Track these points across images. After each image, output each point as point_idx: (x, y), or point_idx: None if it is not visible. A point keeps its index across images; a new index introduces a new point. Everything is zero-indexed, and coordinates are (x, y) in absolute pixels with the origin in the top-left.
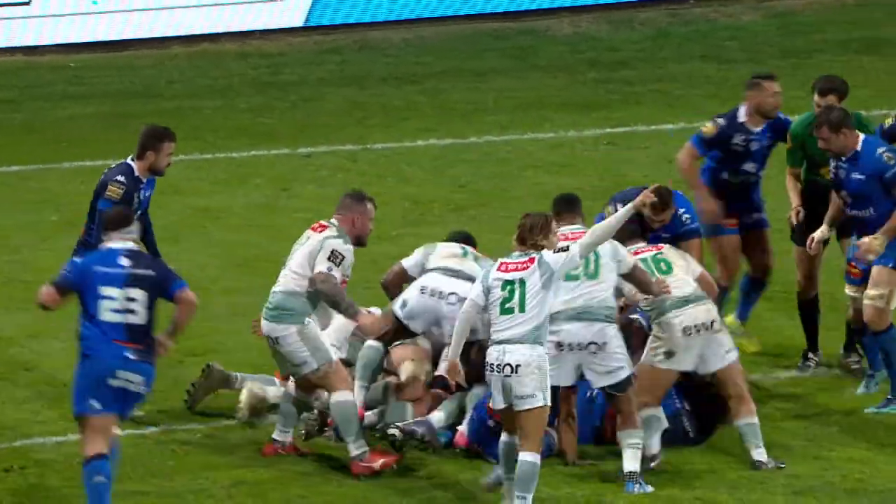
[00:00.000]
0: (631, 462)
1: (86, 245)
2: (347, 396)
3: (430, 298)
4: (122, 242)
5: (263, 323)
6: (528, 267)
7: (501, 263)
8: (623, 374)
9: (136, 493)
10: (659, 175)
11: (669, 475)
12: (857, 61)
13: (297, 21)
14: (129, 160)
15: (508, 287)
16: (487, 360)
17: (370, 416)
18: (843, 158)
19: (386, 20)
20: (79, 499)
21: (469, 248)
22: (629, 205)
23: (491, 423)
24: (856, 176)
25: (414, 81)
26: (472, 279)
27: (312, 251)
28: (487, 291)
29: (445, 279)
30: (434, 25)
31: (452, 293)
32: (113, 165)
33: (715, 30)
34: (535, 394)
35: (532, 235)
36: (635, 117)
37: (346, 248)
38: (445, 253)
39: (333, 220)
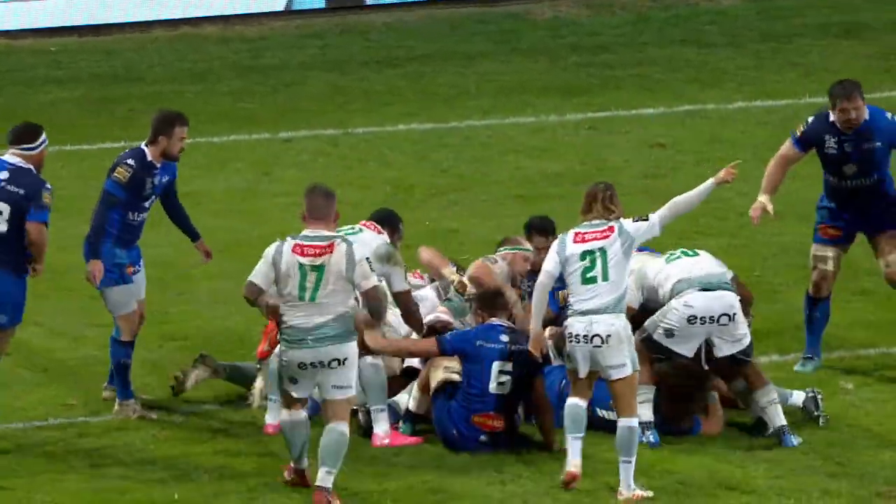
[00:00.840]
0: (777, 417)
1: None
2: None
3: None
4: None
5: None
6: (608, 235)
7: (577, 234)
8: (747, 340)
9: (118, 477)
10: (640, 160)
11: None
12: (836, 45)
13: (279, 5)
14: (143, 145)
15: (589, 256)
16: (571, 331)
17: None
18: (852, 132)
19: (367, 4)
20: (61, 482)
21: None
22: (711, 180)
23: (483, 438)
24: (867, 146)
25: (395, 66)
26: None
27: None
28: (565, 262)
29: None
30: (416, 9)
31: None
32: (127, 150)
33: (695, 14)
34: (625, 363)
35: (605, 203)
36: (616, 102)
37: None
38: None
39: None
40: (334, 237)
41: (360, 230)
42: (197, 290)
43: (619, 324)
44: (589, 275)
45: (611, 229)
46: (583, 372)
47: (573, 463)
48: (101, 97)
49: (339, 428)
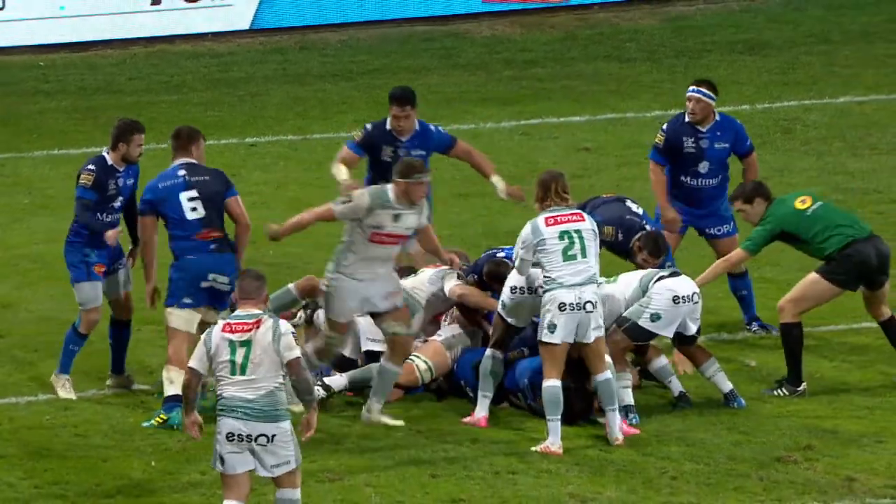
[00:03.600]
0: (724, 384)
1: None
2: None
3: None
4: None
5: None
6: (582, 219)
7: (548, 217)
8: (700, 321)
9: (99, 447)
10: (568, 161)
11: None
12: (741, 61)
13: (244, 24)
14: (103, 151)
15: (567, 237)
16: (562, 301)
17: (338, 379)
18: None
19: (324, 23)
20: (48, 451)
21: None
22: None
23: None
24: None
25: (349, 78)
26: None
27: None
28: (540, 244)
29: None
30: (368, 28)
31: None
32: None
33: (617, 32)
34: (602, 325)
35: (558, 191)
36: (546, 110)
37: None
38: None
39: None
40: (261, 314)
41: None
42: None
43: (598, 293)
44: (570, 252)
45: (580, 214)
46: (567, 338)
47: (557, 444)
48: (85, 107)
49: (287, 496)
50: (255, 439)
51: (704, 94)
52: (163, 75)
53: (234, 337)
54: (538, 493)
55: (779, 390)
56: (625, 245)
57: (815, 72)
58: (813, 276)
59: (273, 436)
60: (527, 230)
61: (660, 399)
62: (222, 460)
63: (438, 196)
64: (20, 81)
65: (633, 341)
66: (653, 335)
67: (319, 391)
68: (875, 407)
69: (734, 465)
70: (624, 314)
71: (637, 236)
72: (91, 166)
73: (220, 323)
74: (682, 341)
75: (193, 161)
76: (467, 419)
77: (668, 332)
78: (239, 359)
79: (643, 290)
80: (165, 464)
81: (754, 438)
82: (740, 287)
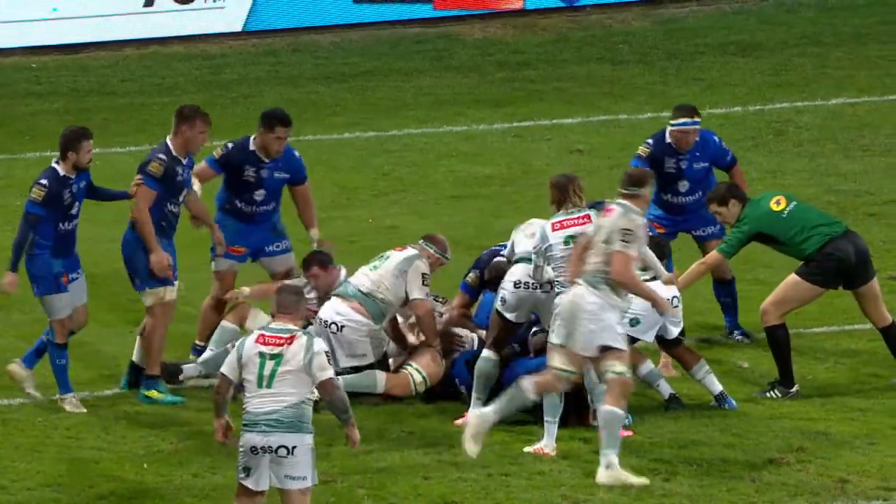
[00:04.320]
0: (714, 385)
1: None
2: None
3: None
4: None
5: None
6: (586, 222)
7: (556, 223)
8: (682, 322)
9: (92, 448)
10: (560, 163)
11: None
12: (733, 63)
13: (237, 26)
14: (53, 163)
15: (573, 241)
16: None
17: None
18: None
19: (316, 25)
20: (40, 452)
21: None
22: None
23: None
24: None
25: (342, 81)
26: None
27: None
28: (548, 250)
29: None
30: (360, 30)
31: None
32: (42, 171)
33: (609, 35)
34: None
35: (577, 192)
36: (539, 112)
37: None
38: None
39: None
40: (297, 331)
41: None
42: None
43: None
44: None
45: (587, 217)
46: (560, 339)
47: (551, 446)
48: (77, 109)
49: None
50: (276, 451)
51: (697, 124)
52: (155, 77)
53: (266, 349)
54: (531, 495)
55: (771, 392)
56: None
57: (808, 73)
58: (792, 277)
59: (294, 447)
60: (537, 236)
61: (651, 401)
62: (245, 471)
63: (431, 198)
64: (12, 83)
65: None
66: (633, 340)
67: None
68: (867, 409)
69: (726, 466)
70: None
71: None
72: (43, 181)
73: (255, 333)
74: (667, 345)
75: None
76: (460, 421)
77: (649, 337)
78: (267, 371)
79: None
80: (158, 466)
81: (747, 440)
82: (723, 294)
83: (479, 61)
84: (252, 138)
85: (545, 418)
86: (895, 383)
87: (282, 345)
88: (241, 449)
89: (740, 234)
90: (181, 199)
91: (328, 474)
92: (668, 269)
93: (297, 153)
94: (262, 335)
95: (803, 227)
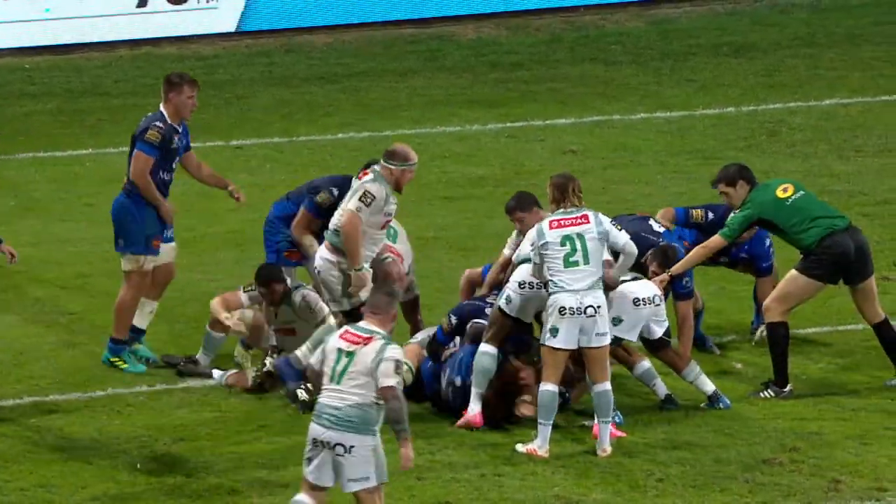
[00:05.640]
0: (707, 386)
1: None
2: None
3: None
4: None
5: None
6: (584, 222)
7: (553, 221)
8: (667, 322)
9: (85, 449)
10: (554, 164)
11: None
12: (726, 63)
13: (230, 27)
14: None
15: (569, 242)
16: (563, 305)
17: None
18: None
19: (310, 25)
20: (33, 453)
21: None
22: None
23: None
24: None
25: (335, 81)
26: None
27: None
28: (543, 247)
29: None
30: (354, 30)
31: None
32: None
33: (602, 35)
34: (608, 332)
35: (576, 192)
36: (532, 113)
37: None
38: None
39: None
40: (376, 333)
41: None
42: None
43: (603, 298)
44: (571, 259)
45: (585, 217)
46: (570, 344)
47: (545, 448)
48: (71, 109)
49: None
50: (333, 447)
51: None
52: (148, 78)
53: (344, 346)
54: (524, 496)
55: (765, 392)
56: (636, 264)
57: (801, 74)
58: (792, 272)
59: (351, 447)
60: (533, 233)
61: (645, 401)
62: (307, 462)
63: (424, 198)
64: (5, 84)
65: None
66: (617, 340)
67: (302, 394)
68: (860, 409)
69: (720, 467)
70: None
71: (650, 251)
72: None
73: (343, 328)
74: (654, 347)
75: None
76: (461, 422)
77: (632, 336)
78: (339, 367)
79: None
80: (151, 466)
81: (740, 440)
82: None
83: (472, 62)
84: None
85: (539, 420)
86: (889, 384)
87: (358, 344)
88: (308, 438)
89: (742, 219)
90: (174, 165)
91: None
92: (686, 284)
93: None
94: (347, 331)
95: (805, 218)
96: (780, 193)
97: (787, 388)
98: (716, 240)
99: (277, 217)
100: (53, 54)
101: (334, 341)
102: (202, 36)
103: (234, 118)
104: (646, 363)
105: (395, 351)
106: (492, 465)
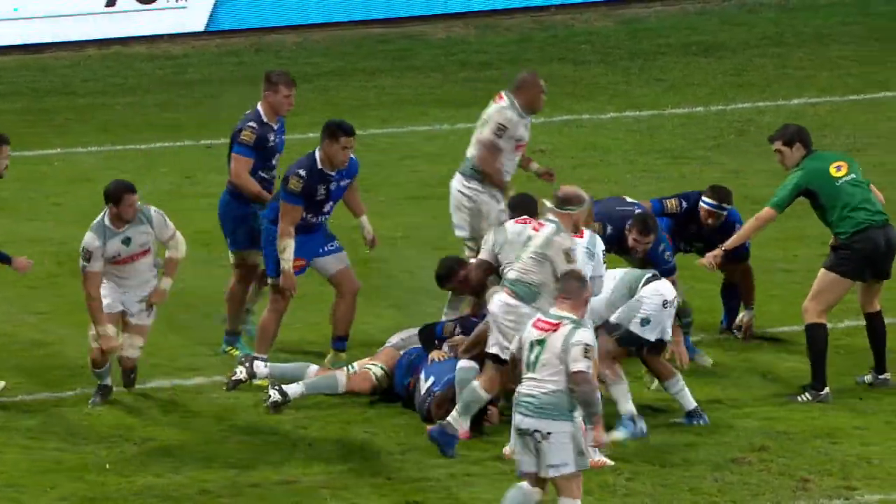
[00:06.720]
0: (688, 402)
1: None
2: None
3: None
4: None
5: None
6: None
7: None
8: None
9: (54, 448)
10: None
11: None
12: (695, 63)
13: (200, 26)
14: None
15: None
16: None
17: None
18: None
19: (280, 25)
20: (1, 459)
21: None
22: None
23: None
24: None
25: (305, 80)
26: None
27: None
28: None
29: None
30: (323, 30)
31: None
32: None
33: (572, 35)
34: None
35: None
36: None
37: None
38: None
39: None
40: (566, 318)
41: None
42: None
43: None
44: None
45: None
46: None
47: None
48: (39, 109)
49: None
50: (532, 434)
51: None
52: (117, 77)
53: (535, 334)
54: (493, 496)
55: (802, 396)
56: (615, 238)
57: (769, 74)
58: (821, 271)
59: (548, 433)
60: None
61: (612, 404)
62: (516, 448)
63: (394, 198)
64: None
65: (626, 347)
66: (642, 341)
67: (275, 395)
68: (829, 407)
69: (689, 466)
70: (613, 320)
71: (628, 222)
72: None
73: (535, 317)
74: (648, 351)
75: None
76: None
77: (653, 337)
78: (533, 356)
79: (630, 293)
80: (121, 467)
81: (709, 440)
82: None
83: (441, 61)
84: (316, 153)
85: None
86: (861, 380)
87: (547, 330)
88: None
89: (792, 187)
90: (273, 163)
91: (291, 474)
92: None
93: (353, 156)
94: (539, 319)
95: (847, 204)
96: (833, 171)
97: (825, 392)
98: (767, 211)
99: (270, 221)
100: (21, 53)
101: (529, 330)
102: (171, 35)
103: (204, 117)
104: (679, 378)
105: (584, 334)
106: (461, 465)
